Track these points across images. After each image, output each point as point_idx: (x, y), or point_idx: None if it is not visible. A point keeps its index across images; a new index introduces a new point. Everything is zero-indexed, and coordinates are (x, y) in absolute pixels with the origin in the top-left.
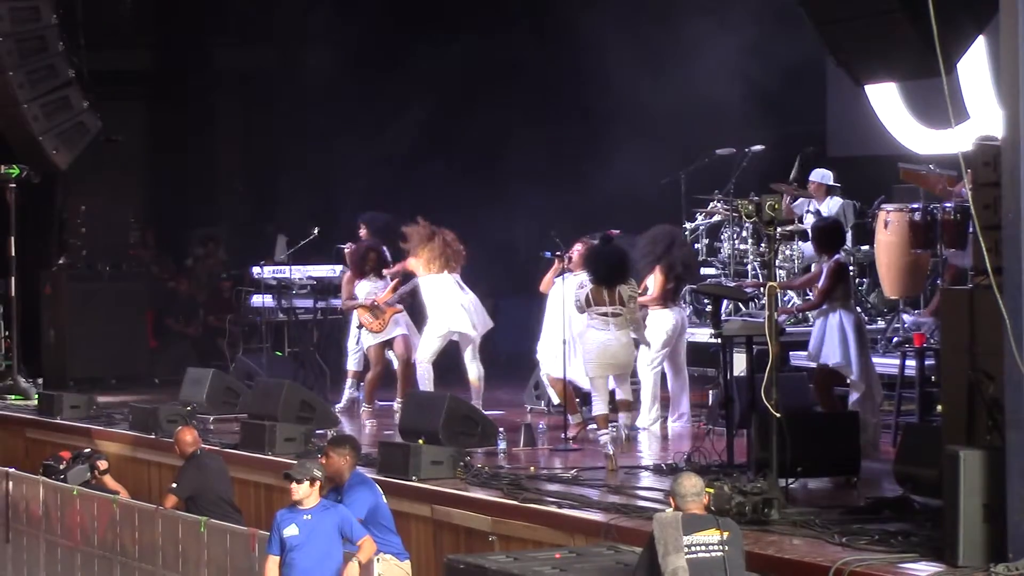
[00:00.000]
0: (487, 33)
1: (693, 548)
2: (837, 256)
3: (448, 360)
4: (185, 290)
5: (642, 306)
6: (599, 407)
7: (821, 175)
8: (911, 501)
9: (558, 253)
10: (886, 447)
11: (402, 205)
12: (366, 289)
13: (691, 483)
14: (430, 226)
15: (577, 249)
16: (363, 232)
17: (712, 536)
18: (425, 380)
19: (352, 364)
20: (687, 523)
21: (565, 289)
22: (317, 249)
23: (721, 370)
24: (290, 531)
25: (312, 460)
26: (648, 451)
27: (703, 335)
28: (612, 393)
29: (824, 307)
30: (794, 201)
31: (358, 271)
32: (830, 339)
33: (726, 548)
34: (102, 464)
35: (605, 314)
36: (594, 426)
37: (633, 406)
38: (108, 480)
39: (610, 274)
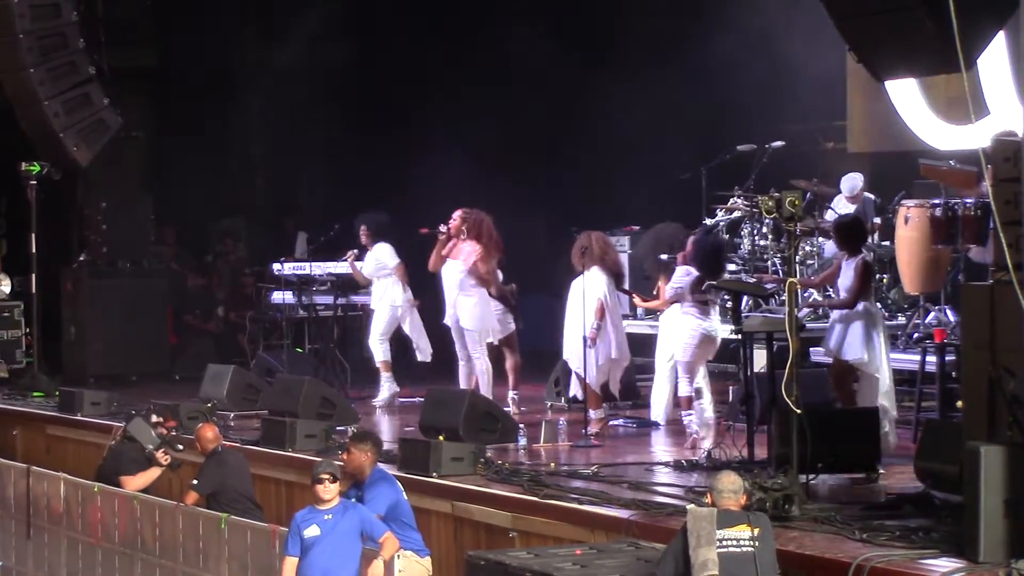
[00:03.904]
0: (503, 31)
1: (724, 543)
2: (863, 255)
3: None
4: (200, 285)
5: (656, 310)
6: (685, 389)
7: (852, 185)
8: (932, 497)
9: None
10: (907, 443)
11: (419, 201)
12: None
13: (729, 480)
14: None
15: (583, 245)
16: (364, 234)
17: (743, 532)
18: (483, 375)
19: (382, 355)
20: (721, 518)
21: (585, 284)
22: (337, 246)
23: (741, 366)
24: (311, 531)
25: (333, 460)
26: (668, 447)
27: (723, 331)
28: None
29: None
30: (815, 200)
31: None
32: (853, 335)
33: (756, 544)
34: (164, 459)
35: (705, 302)
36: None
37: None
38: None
39: (718, 265)
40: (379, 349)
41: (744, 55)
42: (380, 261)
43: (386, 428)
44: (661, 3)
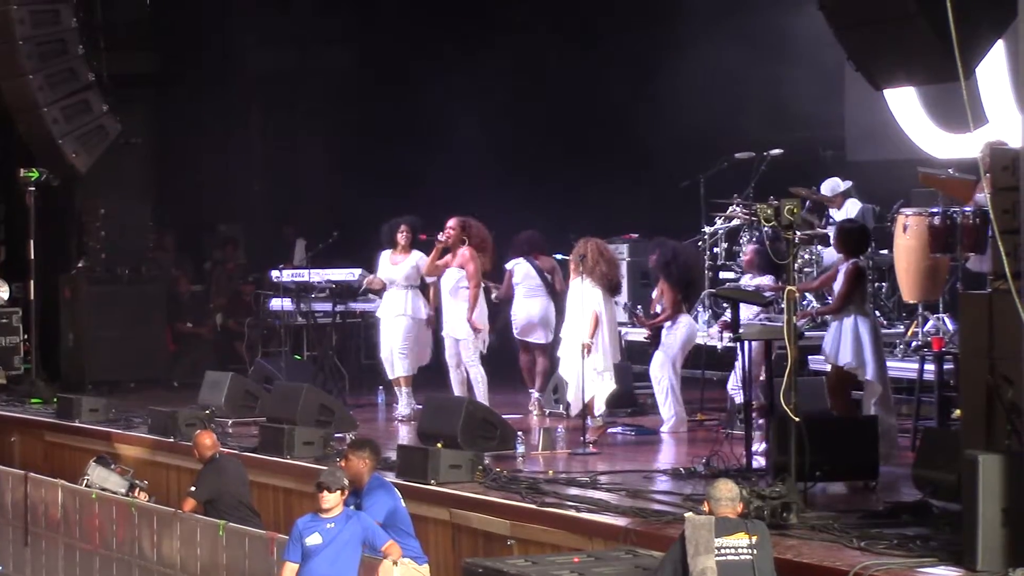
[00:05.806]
0: (507, 35)
1: (723, 551)
2: (855, 259)
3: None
4: (195, 291)
5: (653, 326)
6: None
7: (833, 186)
8: (930, 505)
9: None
10: (905, 451)
11: (418, 207)
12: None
13: (727, 488)
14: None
15: (580, 252)
16: (406, 235)
17: (741, 540)
18: (478, 383)
19: (403, 370)
20: (719, 526)
21: (582, 292)
22: (336, 252)
23: (740, 374)
24: (313, 539)
25: (338, 468)
26: (666, 455)
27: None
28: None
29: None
30: (814, 207)
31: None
32: (844, 341)
33: (755, 552)
34: (142, 496)
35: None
36: None
37: None
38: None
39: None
40: (401, 363)
41: (743, 63)
42: (420, 271)
43: (385, 436)
44: (660, 11)
